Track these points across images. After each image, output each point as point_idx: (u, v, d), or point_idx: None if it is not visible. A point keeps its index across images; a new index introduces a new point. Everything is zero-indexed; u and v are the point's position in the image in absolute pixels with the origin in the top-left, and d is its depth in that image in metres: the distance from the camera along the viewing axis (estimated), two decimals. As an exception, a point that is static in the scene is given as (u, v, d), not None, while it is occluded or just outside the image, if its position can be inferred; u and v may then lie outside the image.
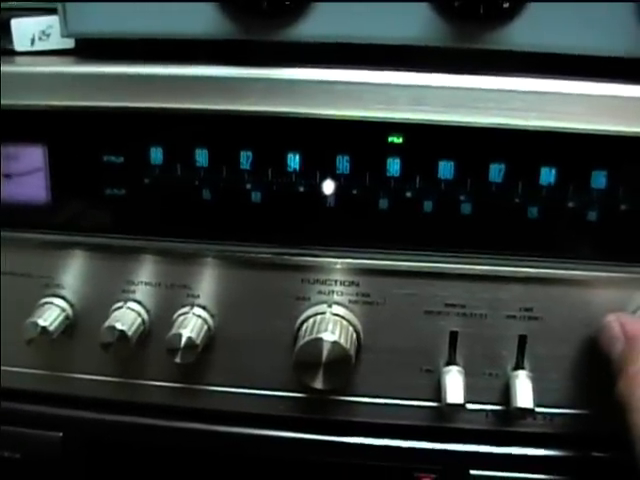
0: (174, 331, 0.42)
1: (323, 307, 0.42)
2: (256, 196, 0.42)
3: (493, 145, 0.41)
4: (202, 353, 0.43)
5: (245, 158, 0.42)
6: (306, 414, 0.45)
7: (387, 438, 0.45)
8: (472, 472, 0.45)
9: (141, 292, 0.44)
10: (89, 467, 0.48)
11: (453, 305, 0.42)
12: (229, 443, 0.46)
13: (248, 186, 0.42)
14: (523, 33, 0.40)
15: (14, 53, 0.47)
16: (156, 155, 0.42)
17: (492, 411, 0.44)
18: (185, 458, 0.47)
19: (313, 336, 0.41)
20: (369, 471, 0.46)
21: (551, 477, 0.45)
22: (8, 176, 0.45)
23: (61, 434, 0.47)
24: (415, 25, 0.40)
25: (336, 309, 0.42)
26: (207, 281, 0.43)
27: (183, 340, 0.42)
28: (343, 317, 0.42)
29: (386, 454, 0.45)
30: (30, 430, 0.47)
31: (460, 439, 0.45)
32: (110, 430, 0.47)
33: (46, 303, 0.44)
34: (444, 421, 0.44)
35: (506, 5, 0.39)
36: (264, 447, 0.46)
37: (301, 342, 0.41)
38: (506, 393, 0.43)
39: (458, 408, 0.42)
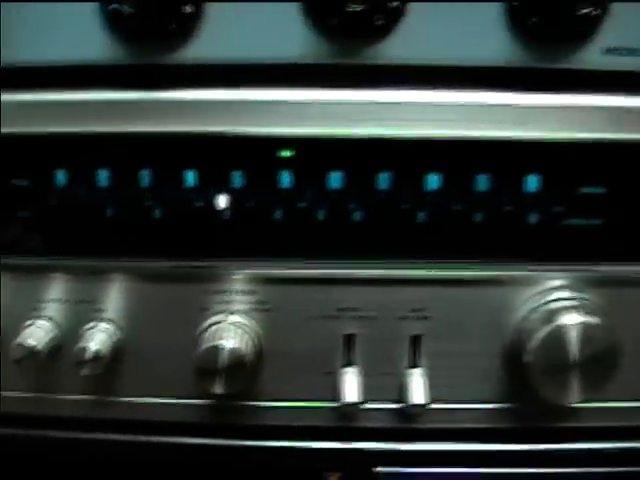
0: (80, 344, 0.44)
1: (222, 316, 0.45)
2: (156, 212, 0.45)
3: (378, 155, 0.44)
4: (111, 364, 0.46)
5: (144, 176, 0.45)
6: (214, 420, 0.48)
7: (293, 440, 0.48)
8: (377, 469, 0.47)
9: (51, 309, 0.46)
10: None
11: (346, 309, 0.45)
12: (140, 451, 0.48)
13: (148, 203, 0.45)
14: (398, 47, 0.43)
15: None
16: (60, 177, 0.45)
17: (392, 409, 0.47)
18: (99, 467, 0.49)
19: (211, 343, 0.43)
20: (277, 473, 0.48)
21: (453, 470, 0.47)
22: None
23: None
24: (296, 44, 0.43)
25: (235, 317, 0.45)
26: (113, 295, 0.46)
27: (88, 353, 0.44)
28: (241, 325, 0.45)
29: (293, 455, 0.48)
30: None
31: (364, 438, 0.48)
32: (23, 444, 0.49)
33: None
34: (347, 421, 0.47)
35: (379, 22, 0.42)
36: (175, 454, 0.48)
37: (200, 350, 0.43)
38: (403, 391, 0.46)
39: (356, 407, 0.44)
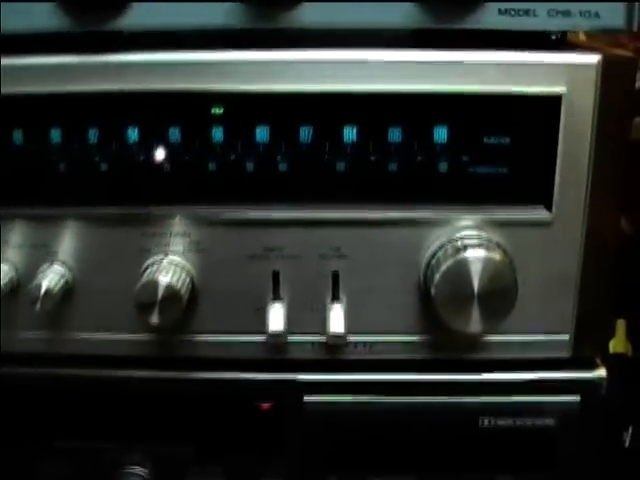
0: (34, 283, 0.50)
1: (161, 256, 0.51)
2: (102, 166, 0.51)
3: (299, 109, 0.49)
4: (64, 303, 0.51)
5: (92, 134, 0.50)
6: (155, 353, 0.53)
7: (227, 371, 0.53)
8: (306, 398, 0.53)
9: (10, 253, 0.52)
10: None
11: (272, 249, 0.51)
12: (92, 384, 0.54)
13: (96, 158, 0.51)
14: (312, 13, 0.48)
15: None
16: (17, 136, 0.51)
17: (317, 342, 0.52)
18: (54, 400, 0.54)
19: (149, 278, 0.49)
20: (217, 402, 0.53)
21: (374, 398, 0.53)
22: None
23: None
24: (221, 13, 0.49)
25: (171, 257, 0.51)
26: (65, 240, 0.52)
27: (42, 290, 0.50)
28: (178, 263, 0.50)
29: (227, 386, 0.53)
30: None
31: (293, 369, 0.53)
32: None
33: None
34: (277, 353, 0.53)
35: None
36: (120, 386, 0.54)
37: (139, 284, 0.49)
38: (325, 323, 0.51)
39: (281, 336, 0.50)
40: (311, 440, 0.53)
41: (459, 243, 0.49)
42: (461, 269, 0.48)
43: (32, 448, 0.55)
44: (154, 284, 0.49)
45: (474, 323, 0.48)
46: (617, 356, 0.74)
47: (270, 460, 0.54)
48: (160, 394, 0.54)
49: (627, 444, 0.65)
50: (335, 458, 0.54)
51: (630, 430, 0.65)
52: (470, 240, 0.49)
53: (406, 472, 0.54)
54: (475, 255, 0.48)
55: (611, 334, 0.74)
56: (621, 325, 0.75)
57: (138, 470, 0.54)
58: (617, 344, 0.75)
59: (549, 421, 0.53)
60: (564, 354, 0.53)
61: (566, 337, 0.52)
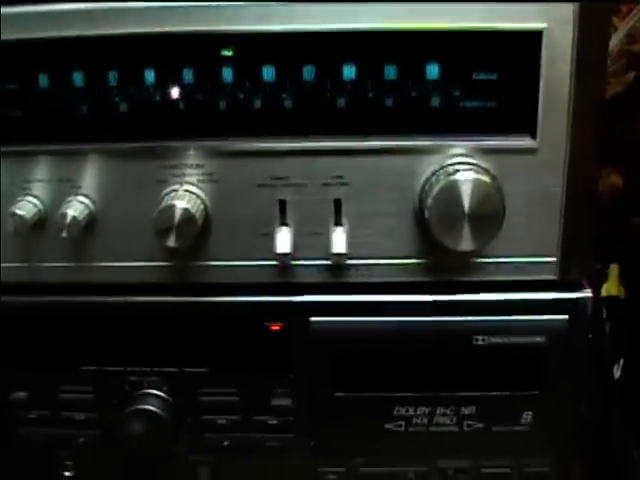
0: (61, 211, 0.55)
1: (177, 186, 0.55)
2: (123, 106, 0.56)
3: (303, 50, 0.54)
4: (88, 234, 0.56)
5: (112, 77, 0.55)
6: (174, 280, 0.58)
7: (239, 296, 0.58)
8: (312, 319, 0.57)
9: (36, 188, 0.57)
10: (5, 344, 0.60)
11: (279, 178, 0.55)
12: (115, 310, 0.58)
13: (116, 98, 0.56)
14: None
15: None
16: (42, 79, 0.56)
17: (321, 265, 0.57)
18: (83, 327, 0.59)
19: (167, 203, 0.53)
20: (229, 324, 0.58)
21: (377, 319, 0.57)
22: None
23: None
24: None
25: (187, 187, 0.55)
26: (88, 174, 0.56)
27: (68, 218, 0.54)
28: (192, 192, 0.55)
29: (241, 309, 0.58)
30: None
31: (300, 292, 0.57)
32: (20, 309, 0.59)
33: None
34: (283, 277, 0.57)
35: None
36: (144, 311, 0.58)
37: (158, 209, 0.54)
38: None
39: (287, 257, 0.54)
40: (317, 359, 0.57)
41: (450, 169, 0.54)
42: (452, 190, 0.52)
43: (58, 372, 0.60)
44: (172, 208, 0.53)
45: (465, 241, 0.53)
46: (611, 298, 0.78)
47: (279, 379, 0.58)
48: (177, 319, 0.58)
49: (617, 376, 0.69)
50: (340, 376, 0.58)
51: (621, 362, 0.69)
52: (461, 165, 0.54)
53: (405, 388, 0.58)
54: (465, 177, 0.52)
55: (604, 278, 0.78)
56: (614, 269, 0.80)
57: (157, 392, 0.59)
58: (610, 287, 0.79)
59: (539, 339, 0.57)
60: (552, 276, 0.57)
61: (554, 259, 0.57)
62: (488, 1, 0.52)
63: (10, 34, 0.54)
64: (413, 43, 0.54)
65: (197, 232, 0.54)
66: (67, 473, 0.63)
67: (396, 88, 0.54)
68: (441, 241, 0.53)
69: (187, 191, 0.55)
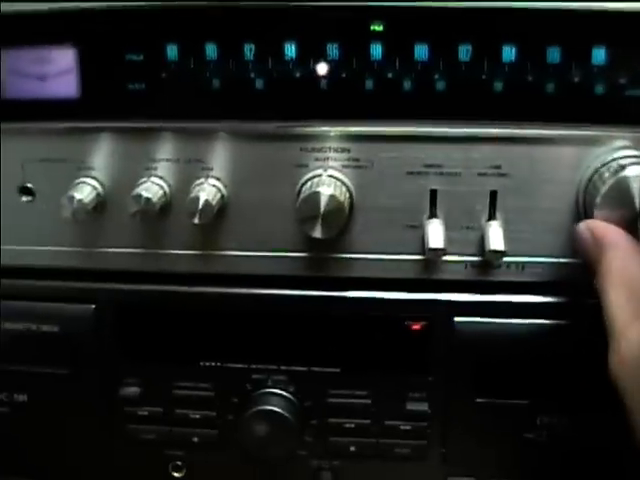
0: (192, 195, 0.51)
1: (320, 171, 0.51)
2: (259, 82, 0.51)
3: (459, 28, 0.50)
4: (217, 220, 0.52)
5: (248, 50, 0.51)
6: (310, 272, 0.54)
7: (380, 291, 0.54)
8: (456, 319, 0.53)
9: (162, 168, 0.53)
10: (119, 335, 0.56)
11: (431, 165, 0.51)
12: (243, 303, 0.55)
13: (252, 74, 0.51)
14: None
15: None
16: (171, 51, 0.51)
17: (470, 262, 0.53)
18: (205, 319, 0.56)
19: (312, 190, 0.49)
20: (367, 322, 0.54)
21: (525, 321, 0.53)
22: (42, 78, 0.54)
23: (94, 306, 0.56)
24: None
25: (331, 172, 0.51)
26: (220, 155, 0.52)
27: (201, 202, 0.50)
28: (337, 178, 0.51)
29: (380, 306, 0.54)
30: (66, 304, 0.56)
31: (444, 290, 0.54)
32: (138, 299, 0.56)
33: (79, 183, 0.53)
34: (429, 273, 0.53)
35: None
36: (274, 305, 0.55)
37: (302, 196, 0.50)
38: (482, 245, 0.52)
39: (439, 253, 0.50)
40: (460, 362, 0.54)
41: (616, 163, 0.50)
42: (623, 187, 0.48)
43: (175, 367, 0.56)
44: (317, 195, 0.49)
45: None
46: None
47: (417, 382, 0.55)
48: (310, 314, 0.55)
49: None
50: (482, 381, 0.54)
51: None
52: (629, 159, 0.50)
53: (553, 396, 0.54)
54: (636, 173, 0.48)
55: None
56: None
57: (282, 392, 0.55)
58: None
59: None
60: None
61: None
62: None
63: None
64: (579, 24, 0.49)
65: (344, 222, 0.50)
66: (176, 474, 0.59)
67: (558, 72, 0.50)
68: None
69: (331, 177, 0.51)
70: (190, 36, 0.51)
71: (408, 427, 0.55)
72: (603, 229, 0.47)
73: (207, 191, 0.51)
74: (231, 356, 0.55)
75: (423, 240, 0.52)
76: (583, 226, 0.48)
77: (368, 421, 0.55)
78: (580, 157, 0.51)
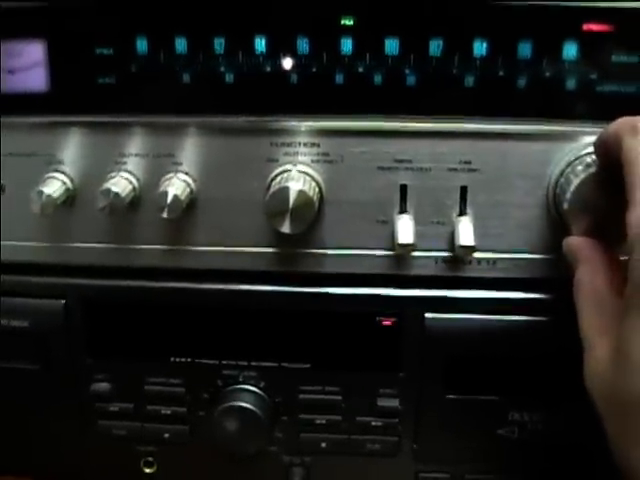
0: (161, 190, 0.51)
1: (289, 166, 0.52)
2: (229, 77, 0.52)
3: (432, 22, 0.50)
4: (186, 215, 0.52)
5: (218, 44, 0.51)
6: (279, 268, 0.54)
7: (351, 287, 0.54)
8: (427, 315, 0.54)
9: (131, 163, 0.53)
10: (89, 330, 0.56)
11: (402, 160, 0.52)
12: (213, 298, 0.55)
13: (222, 69, 0.51)
14: None
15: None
16: (141, 44, 0.52)
17: (441, 257, 0.53)
18: (175, 315, 0.56)
19: (281, 185, 0.50)
20: (337, 318, 0.54)
21: (496, 317, 0.54)
22: (11, 71, 0.54)
23: (63, 301, 0.56)
24: None
25: (300, 167, 0.52)
26: (189, 150, 0.53)
27: (169, 197, 0.51)
28: (307, 173, 0.51)
29: (351, 301, 0.54)
30: (35, 300, 0.56)
31: (415, 285, 0.54)
32: (107, 294, 0.56)
33: (49, 177, 0.53)
34: (399, 269, 0.54)
35: None
36: (244, 300, 0.55)
37: (271, 191, 0.50)
38: (452, 240, 0.52)
39: (409, 248, 0.51)
40: (430, 358, 0.54)
41: (588, 158, 0.50)
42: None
43: (145, 363, 0.56)
44: (286, 190, 0.49)
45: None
46: None
47: (388, 379, 0.55)
48: (280, 310, 0.55)
49: None
50: (453, 377, 0.55)
51: None
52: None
53: (522, 392, 0.55)
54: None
55: None
56: None
57: (252, 387, 0.56)
58: None
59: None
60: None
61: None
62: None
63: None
64: (550, 19, 0.50)
65: (313, 217, 0.50)
66: (148, 470, 0.60)
67: (529, 67, 0.51)
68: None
69: (301, 172, 0.51)
70: (160, 30, 0.51)
71: (379, 423, 0.56)
72: (577, 244, 0.48)
73: (176, 186, 0.51)
74: (202, 352, 0.56)
75: (393, 235, 0.52)
76: (564, 242, 0.49)
77: (339, 417, 0.56)
78: (551, 152, 0.51)
